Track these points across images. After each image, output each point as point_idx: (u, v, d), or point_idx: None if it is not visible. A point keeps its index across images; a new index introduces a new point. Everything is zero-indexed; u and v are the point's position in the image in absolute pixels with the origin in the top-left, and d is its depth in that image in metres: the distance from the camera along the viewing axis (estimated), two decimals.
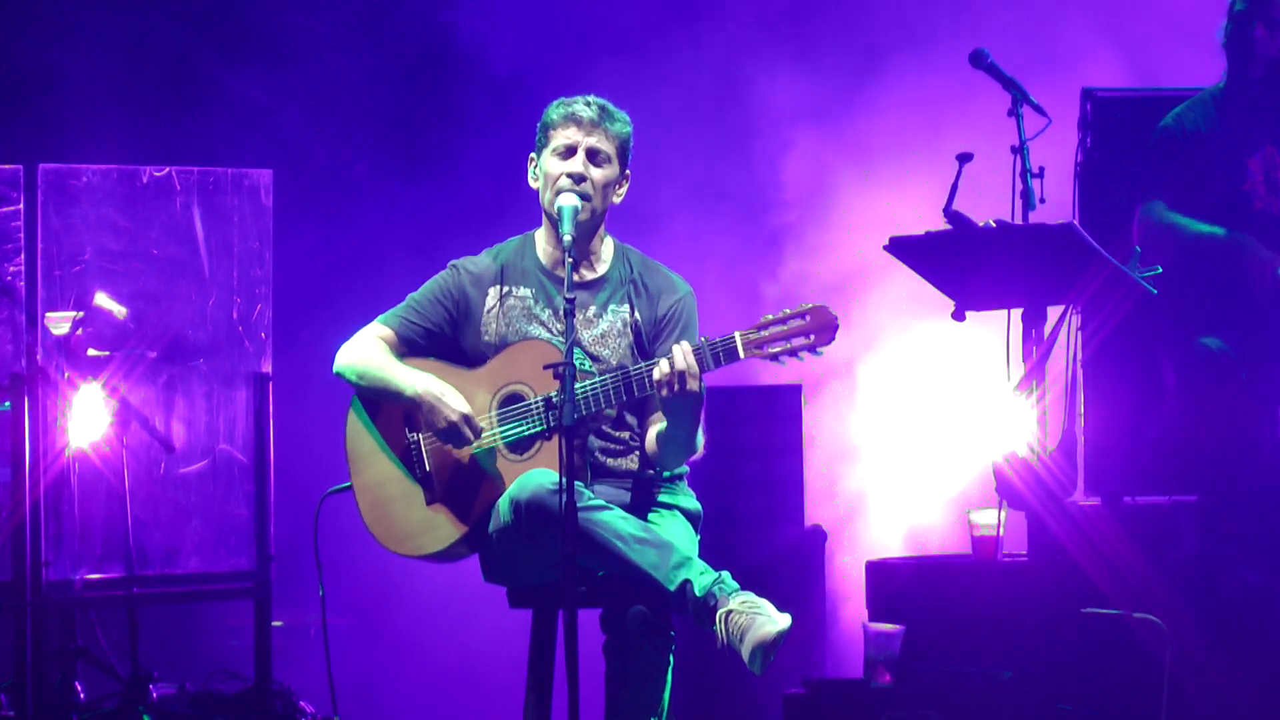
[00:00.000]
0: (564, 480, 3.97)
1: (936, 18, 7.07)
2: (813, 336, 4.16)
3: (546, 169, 4.47)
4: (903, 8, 7.19)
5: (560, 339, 4.41)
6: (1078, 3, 6.94)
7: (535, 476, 4.21)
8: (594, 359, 4.46)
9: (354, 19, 7.56)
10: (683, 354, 4.16)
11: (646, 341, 4.50)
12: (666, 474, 4.49)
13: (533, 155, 4.53)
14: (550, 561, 4.14)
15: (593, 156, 4.45)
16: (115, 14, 7.19)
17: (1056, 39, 6.84)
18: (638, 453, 4.48)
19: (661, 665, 4.22)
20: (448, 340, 4.54)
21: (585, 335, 4.47)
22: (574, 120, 4.45)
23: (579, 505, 4.08)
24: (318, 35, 7.49)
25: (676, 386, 4.17)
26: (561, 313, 4.31)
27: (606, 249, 4.57)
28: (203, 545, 6.05)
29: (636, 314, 4.51)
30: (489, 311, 4.52)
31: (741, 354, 4.18)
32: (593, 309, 4.50)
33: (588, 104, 4.47)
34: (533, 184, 4.54)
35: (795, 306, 4.18)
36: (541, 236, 4.59)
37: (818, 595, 6.39)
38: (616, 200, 4.52)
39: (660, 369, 4.18)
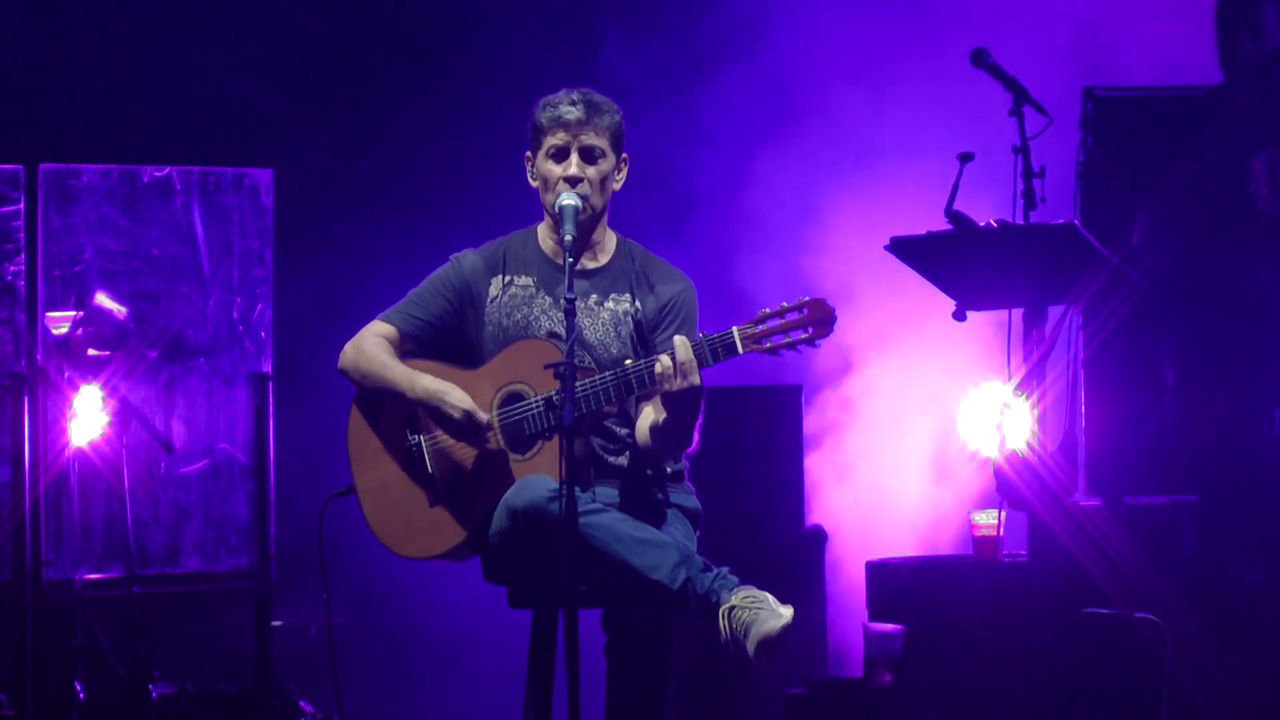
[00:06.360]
0: (564, 480, 3.96)
1: (937, 17, 7.06)
2: (810, 330, 4.16)
3: (543, 172, 4.47)
4: (904, 7, 7.19)
5: (562, 328, 4.40)
6: (1079, 2, 6.93)
7: (531, 483, 4.20)
8: (593, 348, 4.45)
9: (355, 18, 7.56)
10: (683, 347, 4.16)
11: (647, 332, 4.49)
12: (668, 469, 4.49)
13: (528, 154, 4.53)
14: (550, 565, 4.13)
15: (586, 154, 4.45)
16: (116, 13, 7.19)
17: (1058, 38, 6.83)
18: None
19: (662, 666, 4.22)
20: (452, 333, 4.54)
21: (586, 323, 4.46)
22: (561, 124, 4.44)
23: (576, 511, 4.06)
24: (318, 35, 7.49)
25: (680, 381, 4.17)
26: (562, 301, 4.29)
27: (609, 240, 4.57)
28: (203, 545, 6.06)
29: (638, 304, 4.51)
30: (492, 301, 4.52)
31: (740, 349, 4.17)
32: (594, 298, 4.50)
33: (573, 102, 4.45)
34: (532, 183, 4.54)
35: (793, 300, 4.18)
36: (544, 230, 4.58)
37: (818, 595, 6.39)
38: (617, 186, 4.51)
39: (661, 364, 4.17)
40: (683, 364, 4.14)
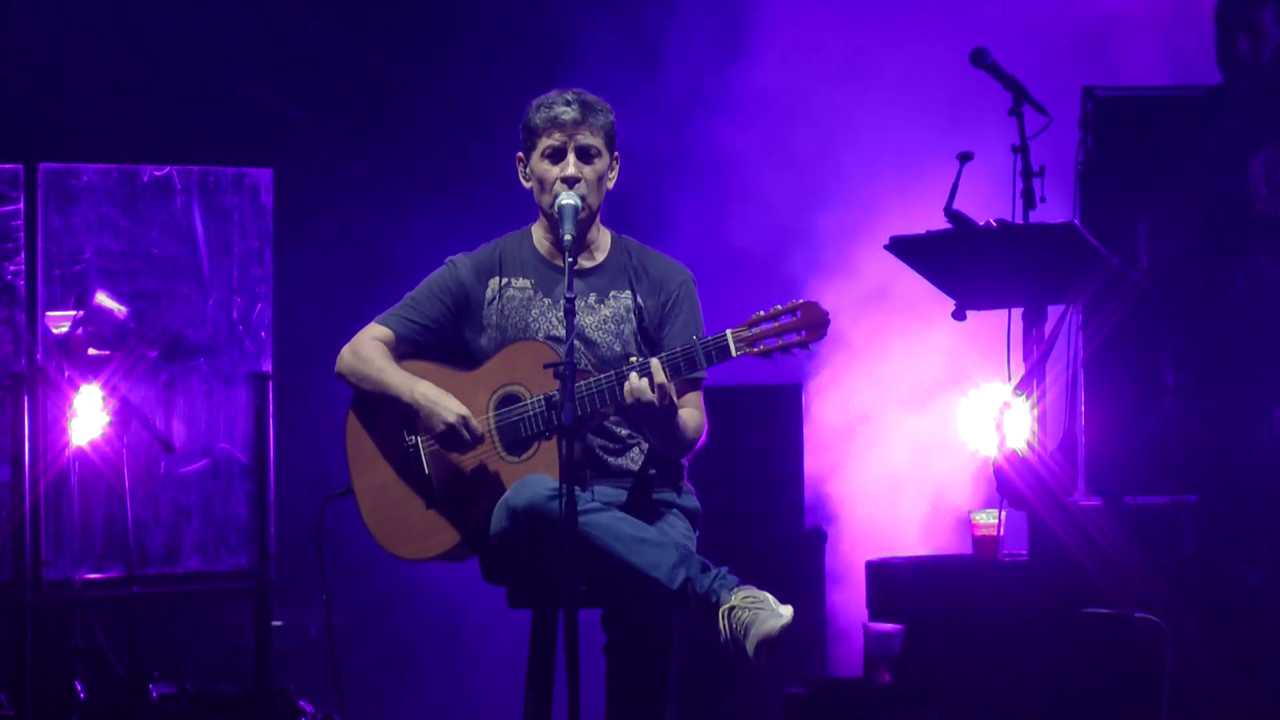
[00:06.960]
0: (563, 484, 3.95)
1: (938, 16, 7.06)
2: (804, 333, 4.16)
3: (538, 173, 4.46)
4: (904, 6, 7.19)
5: (561, 330, 4.41)
6: (1079, 2, 6.93)
7: (530, 483, 4.20)
8: (596, 346, 4.46)
9: (355, 18, 7.56)
10: (645, 386, 4.17)
11: (651, 328, 4.50)
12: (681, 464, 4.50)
13: (520, 155, 4.53)
14: (550, 564, 4.13)
15: (582, 154, 4.45)
16: (116, 13, 7.19)
17: (1058, 38, 6.83)
18: (638, 449, 4.48)
19: (662, 666, 4.22)
20: (449, 336, 4.54)
21: (588, 321, 4.46)
22: (557, 124, 4.44)
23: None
24: (318, 34, 7.49)
25: (645, 407, 4.20)
26: (561, 301, 4.30)
27: (604, 238, 4.57)
28: (203, 545, 6.06)
29: (639, 299, 4.51)
30: (489, 303, 4.52)
31: (734, 351, 4.18)
32: (593, 296, 4.50)
33: (568, 103, 4.45)
34: (525, 184, 4.53)
35: (787, 303, 4.18)
36: (538, 231, 4.59)
37: (818, 595, 6.39)
38: (610, 185, 4.52)
39: (628, 391, 4.19)
40: (644, 398, 4.16)
